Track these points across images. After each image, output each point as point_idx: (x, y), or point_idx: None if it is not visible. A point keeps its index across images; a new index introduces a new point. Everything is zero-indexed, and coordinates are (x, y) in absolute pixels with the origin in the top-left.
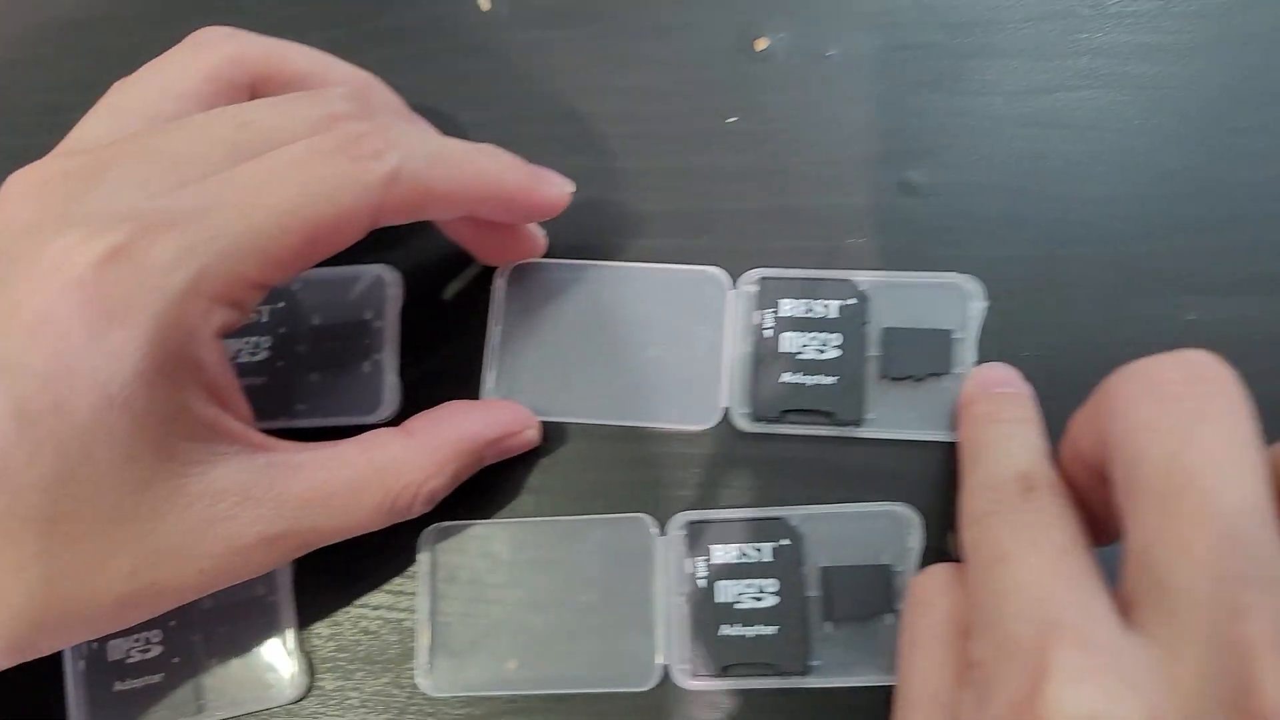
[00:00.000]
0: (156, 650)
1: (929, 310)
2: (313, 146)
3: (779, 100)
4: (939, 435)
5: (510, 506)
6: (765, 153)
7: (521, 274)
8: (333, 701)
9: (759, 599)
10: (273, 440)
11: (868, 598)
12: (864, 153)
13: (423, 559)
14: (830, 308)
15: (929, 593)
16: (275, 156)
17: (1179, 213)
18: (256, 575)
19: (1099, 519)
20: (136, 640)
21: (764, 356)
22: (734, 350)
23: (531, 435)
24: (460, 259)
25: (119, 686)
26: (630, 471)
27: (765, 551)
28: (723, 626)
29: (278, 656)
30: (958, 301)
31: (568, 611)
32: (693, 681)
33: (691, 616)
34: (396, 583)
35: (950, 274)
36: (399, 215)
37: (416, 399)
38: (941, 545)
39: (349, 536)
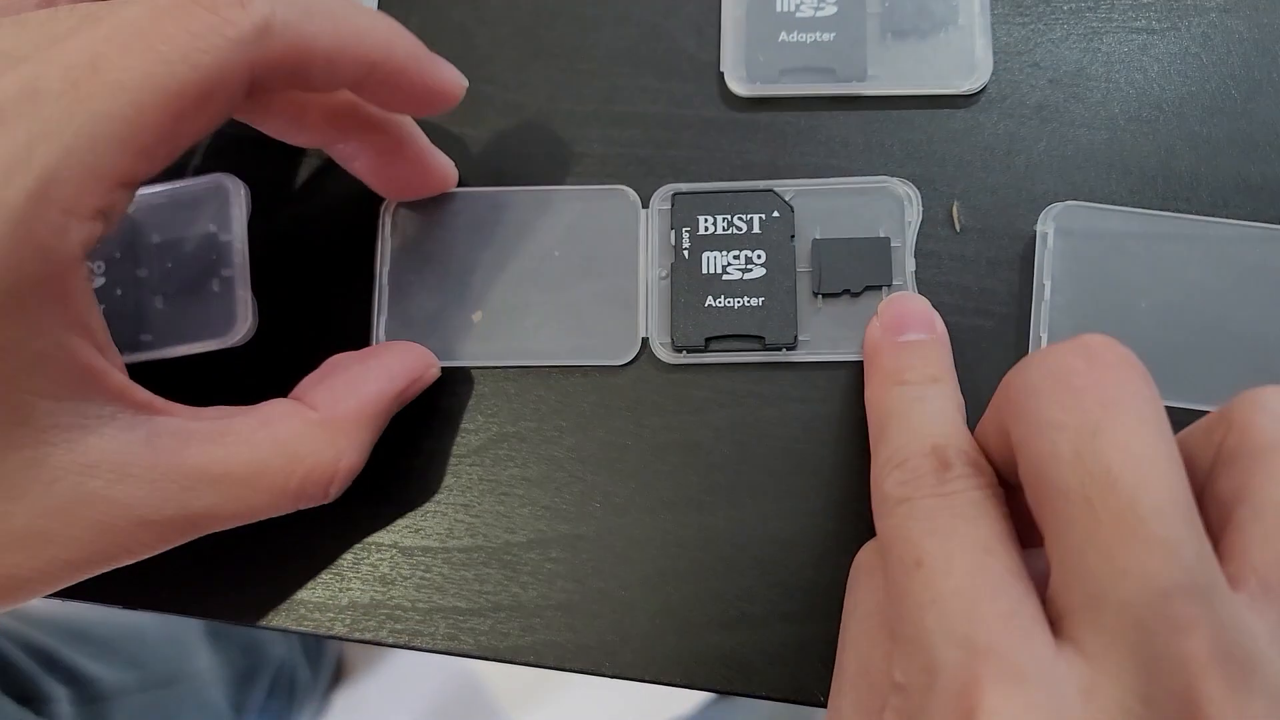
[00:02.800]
0: (99, 281)
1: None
2: (155, 1)
3: None
4: None
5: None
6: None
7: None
8: (284, 344)
9: (746, 270)
10: (156, 400)
11: (861, 271)
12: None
13: (384, 224)
14: (752, 222)
15: (872, 562)
16: (107, 19)
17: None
18: (136, 560)
19: (1019, 519)
20: None
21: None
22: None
23: (435, 373)
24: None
25: None
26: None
27: (754, 223)
28: (708, 298)
29: (229, 296)
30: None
31: (542, 283)
32: (674, 355)
33: (674, 288)
34: (355, 246)
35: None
36: (276, 78)
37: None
38: (946, 214)
39: (246, 523)
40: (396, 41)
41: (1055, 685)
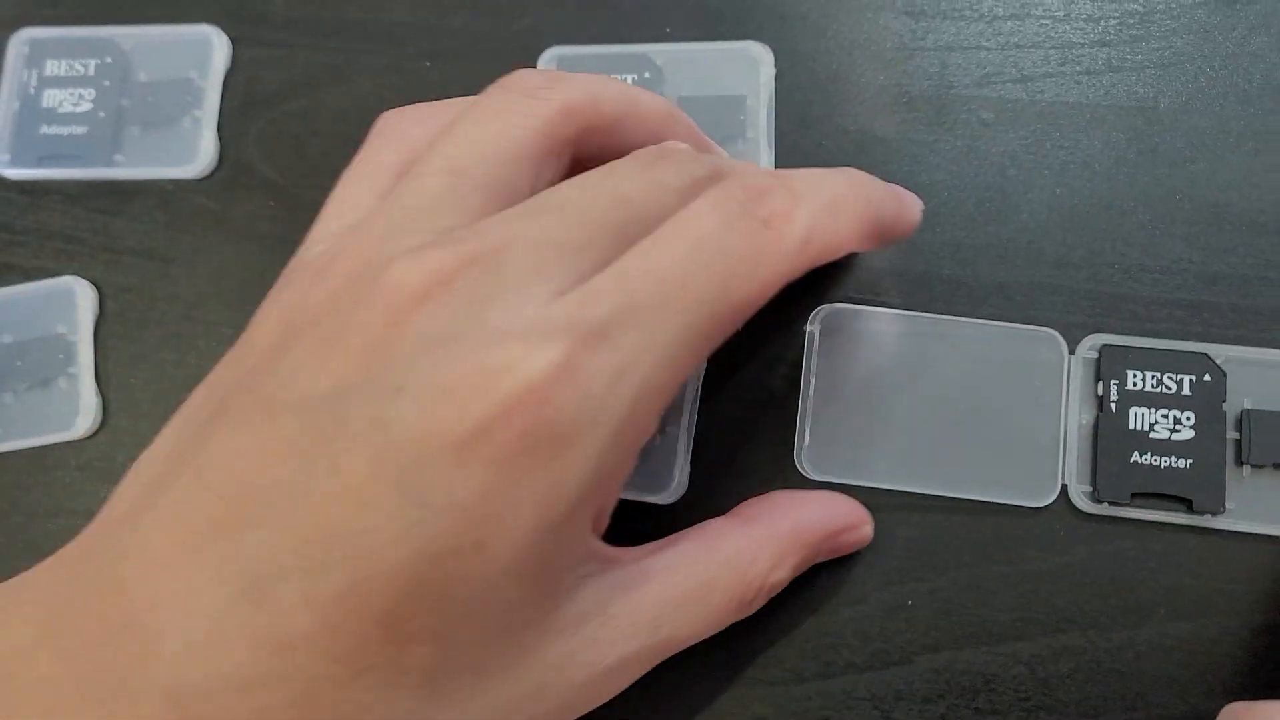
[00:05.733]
0: None
1: None
2: (725, 219)
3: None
4: None
5: None
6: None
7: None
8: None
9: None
10: (618, 550)
11: None
12: None
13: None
14: (1183, 383)
15: None
16: (685, 235)
17: None
18: (603, 702)
19: None
20: None
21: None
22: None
23: (867, 531)
24: None
25: None
26: None
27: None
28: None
29: (74, 391)
30: None
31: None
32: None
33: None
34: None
35: None
36: (795, 278)
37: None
38: None
39: (699, 640)
40: (885, 208)
41: None
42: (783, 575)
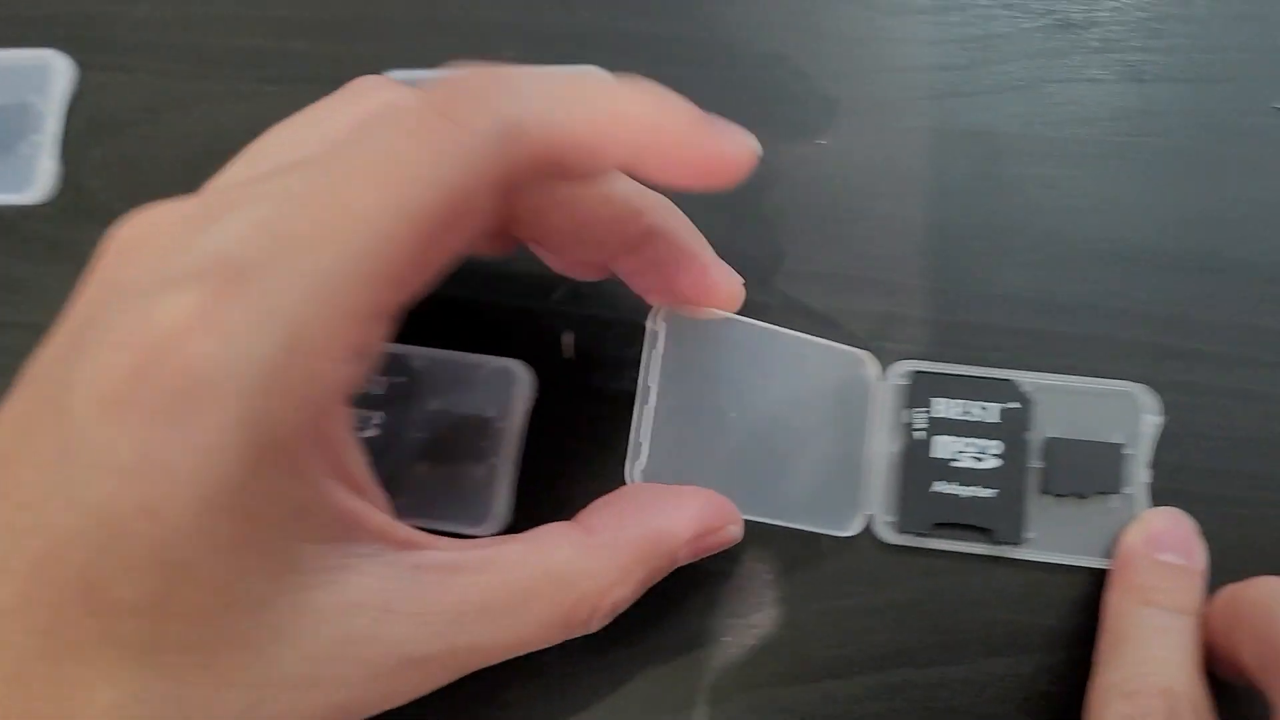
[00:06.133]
0: None
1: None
2: (395, 120)
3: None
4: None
5: None
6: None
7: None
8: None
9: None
10: (419, 535)
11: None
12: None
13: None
14: (990, 411)
15: None
16: (348, 151)
17: None
18: (404, 703)
19: None
20: None
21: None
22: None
23: (735, 531)
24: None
25: None
26: None
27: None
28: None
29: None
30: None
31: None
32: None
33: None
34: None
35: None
36: (534, 180)
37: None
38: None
39: (514, 655)
40: (666, 120)
41: None
42: (625, 593)
